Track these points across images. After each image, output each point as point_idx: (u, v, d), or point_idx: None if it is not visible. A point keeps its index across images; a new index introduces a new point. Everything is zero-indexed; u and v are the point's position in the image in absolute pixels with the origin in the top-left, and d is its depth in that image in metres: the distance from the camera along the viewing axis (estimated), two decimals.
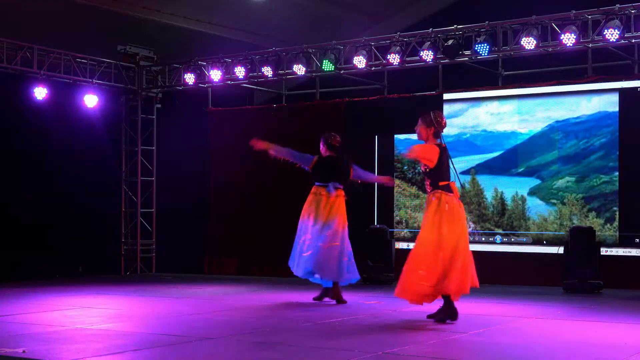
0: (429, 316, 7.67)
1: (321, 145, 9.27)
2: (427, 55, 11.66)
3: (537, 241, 11.85)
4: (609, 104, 11.50)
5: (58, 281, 12.46)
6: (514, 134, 12.17)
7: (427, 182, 7.68)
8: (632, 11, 10.42)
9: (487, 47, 11.26)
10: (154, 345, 6.34)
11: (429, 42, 11.65)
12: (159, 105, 14.89)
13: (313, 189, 9.23)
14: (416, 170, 12.68)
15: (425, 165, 7.63)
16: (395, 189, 12.95)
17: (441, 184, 7.57)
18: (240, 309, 8.85)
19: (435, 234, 7.44)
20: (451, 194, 7.57)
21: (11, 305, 9.04)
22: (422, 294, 7.49)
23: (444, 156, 7.60)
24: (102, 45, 13.79)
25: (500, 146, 12.27)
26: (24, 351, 5.91)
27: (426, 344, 6.37)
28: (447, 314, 7.52)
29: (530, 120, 12.06)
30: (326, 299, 9.26)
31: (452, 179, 7.66)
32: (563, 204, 11.74)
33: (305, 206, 9.20)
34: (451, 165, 7.68)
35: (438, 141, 7.65)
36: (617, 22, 10.41)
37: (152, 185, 14.74)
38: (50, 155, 13.75)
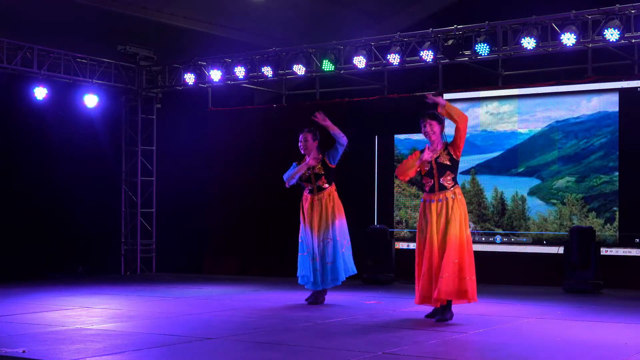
0: (428, 315, 7.70)
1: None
2: (427, 55, 11.66)
3: (537, 241, 11.85)
4: (609, 104, 11.50)
5: (58, 281, 12.46)
6: (514, 134, 12.17)
7: (449, 177, 7.53)
8: (632, 11, 10.42)
9: (487, 47, 11.26)
10: (154, 345, 6.34)
11: (429, 42, 11.65)
12: (159, 105, 14.89)
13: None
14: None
15: (455, 155, 7.55)
16: (395, 189, 12.95)
17: (456, 179, 7.63)
18: (240, 309, 8.85)
19: (466, 231, 7.49)
20: None
21: (11, 305, 9.05)
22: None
23: None
24: (102, 45, 13.79)
25: (500, 146, 12.27)
26: (24, 351, 5.92)
27: (426, 344, 6.37)
28: (450, 314, 7.54)
29: (530, 120, 12.06)
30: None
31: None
32: (563, 204, 11.74)
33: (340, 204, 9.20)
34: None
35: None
36: (617, 22, 10.41)
37: (152, 185, 14.74)
38: (50, 155, 13.75)
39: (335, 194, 9.12)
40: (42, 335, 6.82)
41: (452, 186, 7.55)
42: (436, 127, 7.62)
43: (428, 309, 7.80)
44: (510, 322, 7.76)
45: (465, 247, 7.43)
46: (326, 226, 8.98)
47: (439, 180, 7.56)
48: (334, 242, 8.96)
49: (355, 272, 9.18)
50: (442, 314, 7.51)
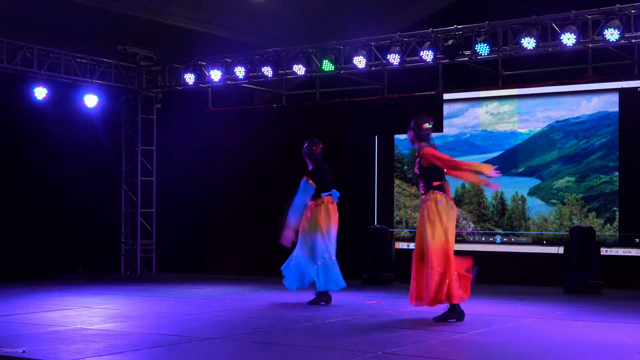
0: (436, 319, 7.64)
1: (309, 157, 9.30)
2: (427, 55, 11.65)
3: (537, 241, 11.85)
4: (609, 104, 11.50)
5: (58, 281, 12.46)
6: (514, 134, 12.17)
7: (422, 184, 7.73)
8: (632, 11, 10.41)
9: (487, 47, 11.25)
10: (154, 345, 6.34)
11: (429, 42, 11.64)
12: (159, 105, 14.89)
13: (325, 199, 9.19)
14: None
15: (423, 163, 7.65)
16: (395, 189, 12.95)
17: (435, 184, 7.66)
18: (240, 309, 8.85)
19: (443, 234, 7.52)
20: (443, 193, 7.67)
21: (11, 305, 9.05)
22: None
23: None
24: (102, 45, 13.79)
25: (500, 146, 12.27)
26: (24, 351, 5.92)
27: (426, 344, 6.38)
28: (452, 315, 7.55)
29: (530, 120, 12.06)
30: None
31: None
32: (563, 204, 11.74)
33: (324, 217, 9.14)
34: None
35: (426, 143, 7.75)
36: (617, 22, 10.40)
37: (152, 185, 14.74)
38: (50, 155, 13.75)
39: (322, 208, 9.13)
40: (42, 335, 6.82)
41: (426, 192, 7.67)
42: (408, 135, 7.89)
43: (428, 309, 7.81)
44: (510, 322, 7.76)
45: (444, 251, 7.49)
46: (303, 233, 9.14)
47: (418, 185, 7.86)
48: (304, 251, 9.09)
49: (331, 289, 9.11)
50: (442, 313, 7.53)
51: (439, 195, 7.61)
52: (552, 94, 11.92)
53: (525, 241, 11.95)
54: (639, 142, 11.28)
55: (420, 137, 7.74)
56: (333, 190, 9.24)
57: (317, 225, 9.07)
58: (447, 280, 7.41)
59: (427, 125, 7.74)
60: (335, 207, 9.23)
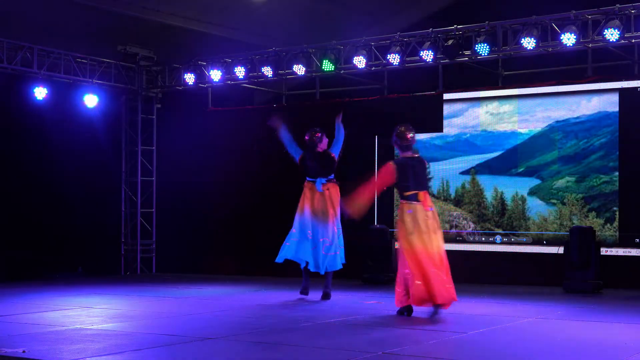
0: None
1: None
2: (427, 55, 11.65)
3: (537, 241, 11.85)
4: (609, 104, 11.50)
5: (58, 281, 12.46)
6: (514, 134, 12.17)
7: (397, 192, 8.14)
8: (632, 11, 10.42)
9: (487, 47, 11.25)
10: (154, 345, 6.34)
11: (429, 42, 11.64)
12: (159, 105, 14.89)
13: (305, 184, 9.80)
14: None
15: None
16: (395, 189, 12.93)
17: (406, 194, 7.92)
18: (240, 309, 8.85)
19: (406, 242, 7.84)
20: (416, 203, 7.85)
21: (11, 305, 9.06)
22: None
23: (406, 168, 7.96)
24: (102, 45, 13.79)
25: (500, 146, 12.27)
26: (24, 351, 5.92)
27: (426, 344, 6.38)
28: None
29: (530, 120, 12.06)
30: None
31: (426, 188, 8.14)
32: (563, 204, 11.74)
33: (300, 201, 9.78)
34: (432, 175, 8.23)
35: (405, 154, 8.09)
36: (617, 22, 10.41)
37: (152, 185, 14.74)
38: (50, 155, 13.76)
39: (302, 193, 9.87)
40: (42, 335, 6.82)
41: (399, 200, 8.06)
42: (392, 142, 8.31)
43: (427, 308, 7.85)
44: (510, 322, 7.76)
45: (408, 256, 7.78)
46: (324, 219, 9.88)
47: None
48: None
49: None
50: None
51: (407, 206, 7.92)
52: (552, 94, 11.92)
53: (525, 241, 11.95)
54: (639, 142, 11.28)
55: (400, 146, 8.12)
56: (318, 178, 9.67)
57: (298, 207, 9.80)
58: (414, 283, 7.67)
59: (405, 135, 8.04)
60: (312, 193, 9.67)
